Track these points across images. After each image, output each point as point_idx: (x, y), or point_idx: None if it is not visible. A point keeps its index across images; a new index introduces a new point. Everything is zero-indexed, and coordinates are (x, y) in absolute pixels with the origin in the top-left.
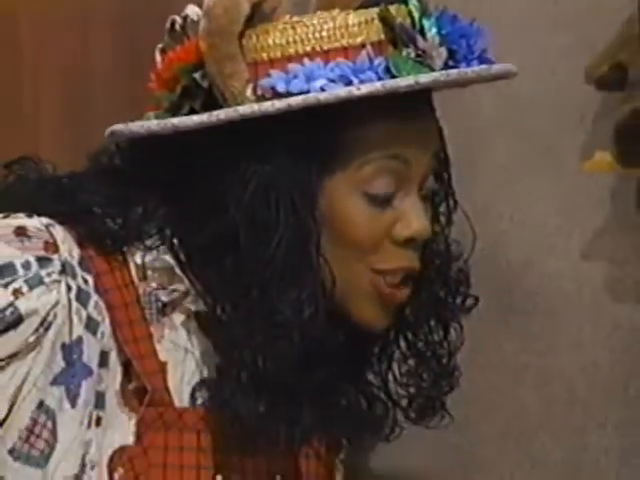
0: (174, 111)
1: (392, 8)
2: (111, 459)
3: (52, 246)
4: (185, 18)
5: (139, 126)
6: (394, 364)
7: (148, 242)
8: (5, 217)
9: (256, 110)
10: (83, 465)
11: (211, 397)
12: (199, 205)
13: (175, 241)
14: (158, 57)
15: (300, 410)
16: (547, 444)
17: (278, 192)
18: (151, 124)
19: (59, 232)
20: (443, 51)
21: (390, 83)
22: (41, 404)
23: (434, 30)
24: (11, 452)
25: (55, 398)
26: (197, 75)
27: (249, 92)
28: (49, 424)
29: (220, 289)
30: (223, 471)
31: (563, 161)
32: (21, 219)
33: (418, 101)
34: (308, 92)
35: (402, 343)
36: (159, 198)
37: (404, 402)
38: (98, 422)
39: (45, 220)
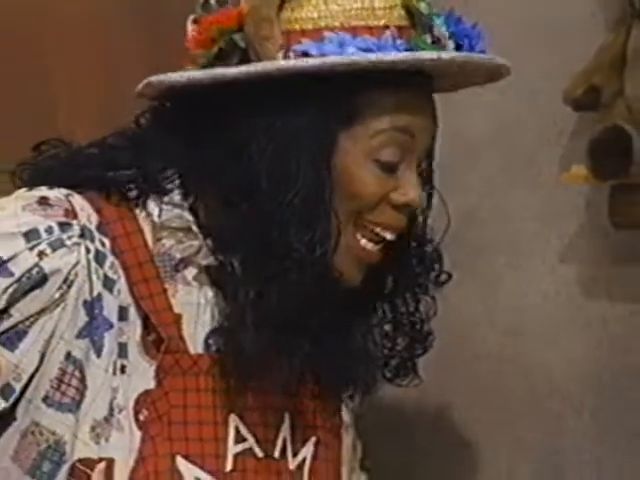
0: (210, 67)
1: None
2: (136, 402)
3: (71, 213)
4: None
5: (179, 75)
6: (374, 329)
7: (166, 199)
8: (29, 190)
9: (291, 65)
10: (111, 409)
11: (223, 343)
12: (222, 156)
13: (195, 195)
14: (190, 26)
15: (301, 345)
16: (529, 428)
17: (300, 146)
18: (193, 73)
19: (78, 201)
20: (451, 43)
21: (417, 54)
22: (69, 355)
23: (443, 27)
24: (44, 400)
25: (81, 350)
26: (236, 36)
27: (280, 56)
28: (77, 373)
29: (236, 237)
30: (236, 410)
31: (542, 173)
32: (43, 191)
33: (426, 85)
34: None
35: (381, 310)
36: (181, 153)
37: (381, 362)
38: (123, 370)
39: (65, 191)
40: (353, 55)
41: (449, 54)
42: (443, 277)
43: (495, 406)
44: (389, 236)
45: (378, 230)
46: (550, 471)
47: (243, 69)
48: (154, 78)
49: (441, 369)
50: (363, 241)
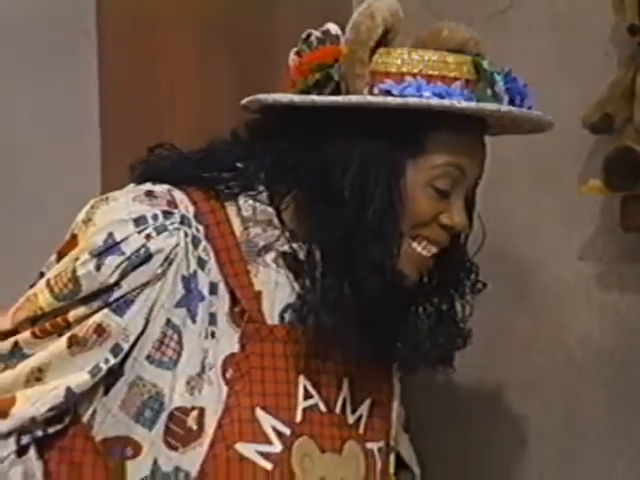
0: (306, 93)
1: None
2: (223, 362)
3: (173, 204)
4: (325, 32)
5: (282, 96)
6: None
7: (253, 196)
8: (138, 185)
9: (379, 100)
10: (203, 367)
11: (296, 317)
12: (308, 168)
13: (279, 196)
14: (292, 56)
15: (367, 329)
16: (552, 397)
17: (376, 169)
18: (293, 96)
19: (178, 194)
20: (507, 98)
21: (481, 105)
22: (168, 321)
23: (502, 83)
24: (147, 358)
25: (179, 317)
26: (332, 70)
27: (366, 92)
28: (175, 337)
29: (318, 236)
30: (304, 372)
31: (565, 186)
32: (149, 186)
33: (480, 131)
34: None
35: (427, 307)
36: (271, 161)
37: (425, 349)
38: (213, 335)
39: (167, 186)
40: (430, 99)
41: (507, 107)
42: (479, 285)
43: (525, 378)
44: (434, 249)
45: (425, 243)
46: (572, 435)
47: (339, 99)
48: (261, 96)
49: (484, 346)
50: (418, 249)
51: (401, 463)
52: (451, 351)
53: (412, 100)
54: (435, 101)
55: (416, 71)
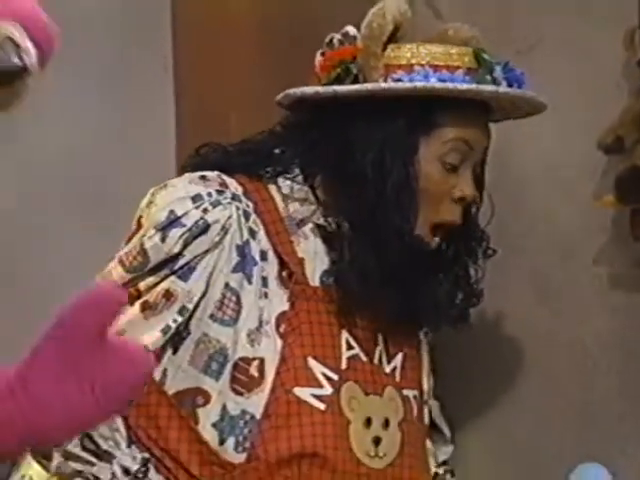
0: (329, 86)
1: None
2: (277, 319)
3: (224, 185)
4: (345, 34)
5: (308, 89)
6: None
7: (290, 177)
8: (193, 171)
9: (391, 86)
10: (260, 322)
11: (333, 280)
12: (334, 150)
13: (312, 176)
14: (318, 57)
15: (392, 291)
16: (569, 385)
17: (392, 148)
18: (318, 88)
19: (227, 178)
20: (505, 83)
21: (480, 87)
22: (227, 284)
23: (500, 72)
24: (211, 317)
25: (236, 281)
26: (350, 65)
27: (380, 81)
28: (234, 298)
29: (346, 209)
30: (345, 326)
31: (582, 200)
32: (203, 172)
33: (484, 112)
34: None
35: (446, 273)
36: (304, 147)
37: (445, 309)
38: (266, 295)
39: (217, 172)
40: (435, 83)
41: (504, 89)
42: (489, 252)
43: (544, 367)
44: (450, 225)
45: (438, 220)
46: (587, 418)
47: (355, 87)
48: (291, 90)
49: (509, 340)
50: (436, 219)
51: (432, 425)
52: (467, 309)
53: (419, 84)
54: (439, 85)
55: (424, 62)
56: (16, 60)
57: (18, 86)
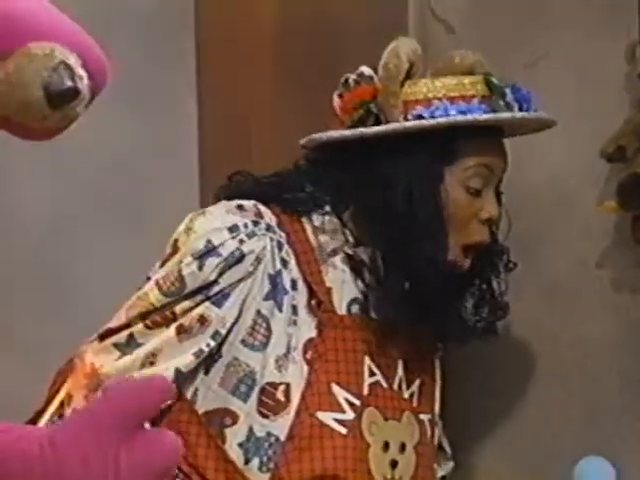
0: (353, 128)
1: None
2: (304, 345)
3: (259, 215)
4: (360, 74)
5: (335, 133)
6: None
7: (321, 210)
8: (230, 200)
9: (417, 124)
10: (288, 348)
11: (360, 308)
12: (362, 186)
13: (342, 209)
14: (335, 99)
15: (424, 313)
16: (574, 383)
17: (419, 181)
18: (343, 132)
19: (262, 208)
20: (516, 105)
21: (497, 115)
22: (258, 312)
23: (510, 94)
24: (242, 342)
25: (267, 308)
26: (371, 105)
27: (401, 119)
28: (264, 324)
29: (380, 241)
30: (368, 354)
31: (585, 206)
32: (240, 201)
33: (500, 135)
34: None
35: (471, 289)
36: (333, 183)
37: (472, 324)
38: (295, 323)
39: (253, 201)
40: (456, 117)
41: (521, 114)
42: (510, 265)
43: (550, 365)
44: (479, 245)
45: (468, 242)
46: (589, 414)
47: (382, 128)
48: (317, 135)
49: (519, 340)
50: (466, 241)
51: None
52: (494, 322)
53: (442, 120)
54: (460, 117)
55: (440, 95)
56: (69, 84)
57: (68, 111)
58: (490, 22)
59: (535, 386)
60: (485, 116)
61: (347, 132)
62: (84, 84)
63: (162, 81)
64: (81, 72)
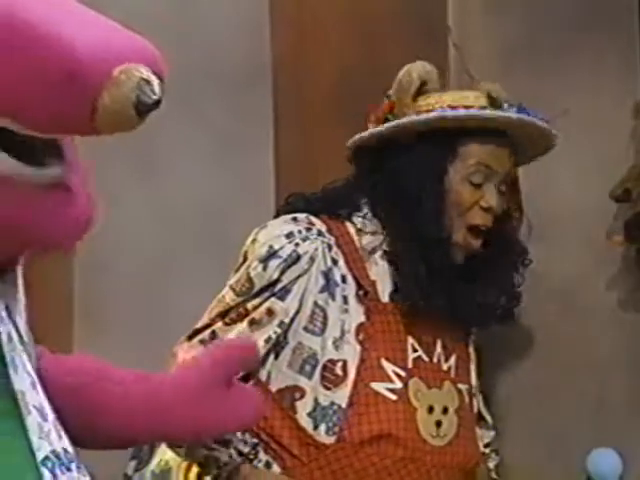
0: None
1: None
2: (356, 329)
3: (311, 223)
4: (388, 95)
5: (364, 133)
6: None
7: (362, 214)
8: (286, 213)
9: (414, 119)
10: (342, 331)
11: (399, 297)
12: (390, 187)
13: (379, 211)
14: (386, 101)
15: (445, 296)
16: (586, 387)
17: (428, 175)
18: (362, 134)
19: (313, 218)
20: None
21: (495, 113)
22: (315, 303)
23: (513, 108)
24: (304, 328)
25: (323, 299)
26: (389, 115)
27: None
28: (321, 313)
29: (399, 230)
30: (410, 334)
31: (596, 240)
32: (294, 214)
33: (502, 139)
34: None
35: (492, 280)
36: (368, 188)
37: (492, 310)
38: (346, 310)
39: (305, 214)
40: (446, 112)
41: (515, 115)
42: (527, 261)
43: (566, 367)
44: (482, 227)
45: (470, 223)
46: (600, 410)
47: (391, 124)
48: (354, 138)
49: (537, 348)
50: (468, 223)
51: (478, 414)
52: (511, 309)
53: (433, 114)
54: (450, 112)
55: (445, 106)
56: (155, 97)
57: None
58: (515, 83)
59: (552, 388)
60: (475, 112)
61: (365, 133)
62: (160, 89)
63: (245, 136)
64: (154, 79)
